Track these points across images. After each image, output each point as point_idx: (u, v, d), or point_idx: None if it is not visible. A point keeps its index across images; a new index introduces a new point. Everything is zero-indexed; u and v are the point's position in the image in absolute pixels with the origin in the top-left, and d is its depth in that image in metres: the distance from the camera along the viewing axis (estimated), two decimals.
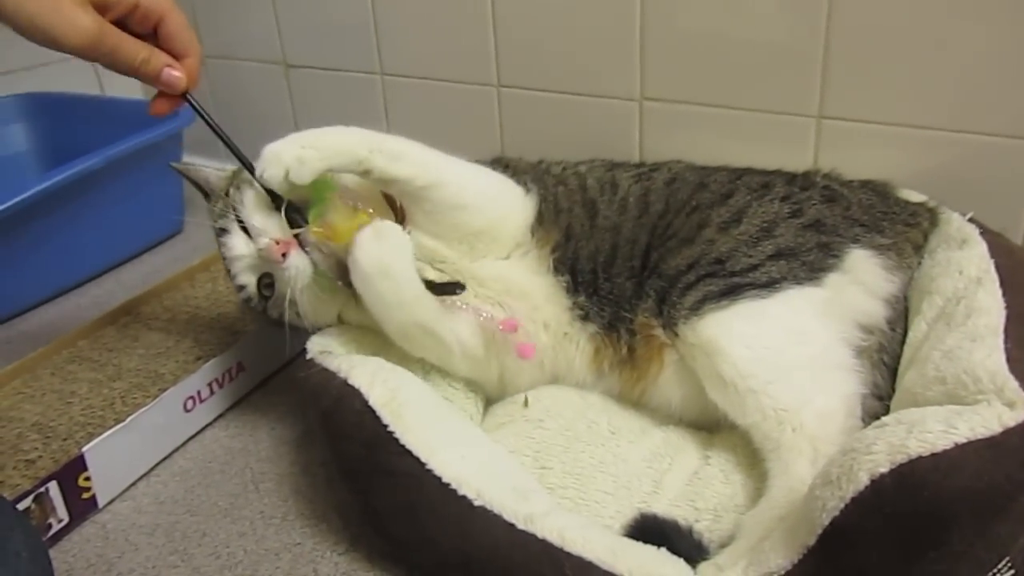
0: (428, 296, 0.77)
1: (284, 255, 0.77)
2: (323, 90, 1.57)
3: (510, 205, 0.86)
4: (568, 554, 0.62)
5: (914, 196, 0.91)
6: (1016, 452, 0.52)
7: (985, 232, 0.80)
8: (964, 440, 0.51)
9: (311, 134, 0.76)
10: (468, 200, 0.82)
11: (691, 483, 0.75)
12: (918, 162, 0.99)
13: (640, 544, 0.65)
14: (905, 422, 0.54)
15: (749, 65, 1.06)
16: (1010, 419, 0.52)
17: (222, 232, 0.83)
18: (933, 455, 0.51)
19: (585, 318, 0.83)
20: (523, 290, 0.84)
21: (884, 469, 0.52)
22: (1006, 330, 0.63)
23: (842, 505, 0.54)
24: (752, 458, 0.74)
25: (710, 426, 0.81)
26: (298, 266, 0.77)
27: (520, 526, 0.64)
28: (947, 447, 0.51)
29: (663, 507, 0.72)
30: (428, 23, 1.34)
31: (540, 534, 0.63)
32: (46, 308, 1.28)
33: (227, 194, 0.84)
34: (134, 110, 1.58)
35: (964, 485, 0.51)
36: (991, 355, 0.59)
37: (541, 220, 0.86)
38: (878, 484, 0.52)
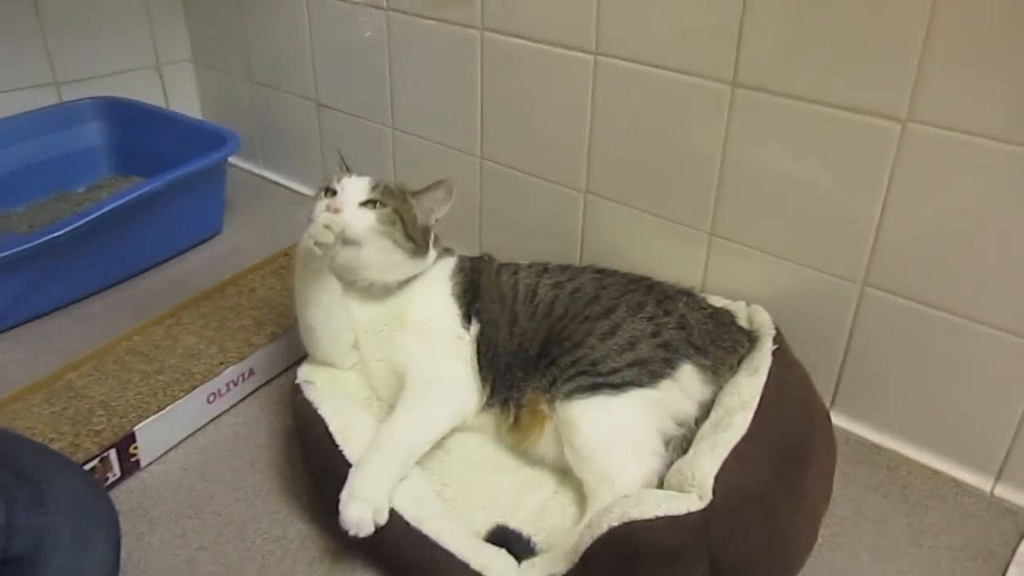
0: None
1: None
2: (345, 131, 1.79)
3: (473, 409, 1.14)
4: (439, 547, 0.94)
5: (763, 314, 1.17)
6: (690, 526, 0.83)
7: (778, 363, 1.03)
8: (663, 514, 0.83)
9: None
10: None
11: (540, 509, 1.06)
12: (772, 285, 1.23)
13: (491, 546, 0.97)
14: (635, 497, 0.86)
15: (664, 178, 1.30)
16: (695, 506, 0.84)
17: None
18: (643, 520, 0.83)
19: (489, 407, 1.13)
20: None
21: (615, 523, 0.84)
22: (736, 447, 0.88)
23: (591, 542, 0.86)
24: (584, 500, 1.04)
25: (566, 472, 1.09)
26: None
27: (413, 524, 0.95)
28: (651, 517, 0.83)
29: (516, 522, 1.02)
30: (432, 98, 1.59)
31: (423, 531, 0.95)
32: (109, 293, 1.55)
33: None
34: (193, 127, 1.85)
35: (655, 540, 0.83)
36: (710, 463, 0.88)
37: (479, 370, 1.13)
38: (610, 533, 0.84)
